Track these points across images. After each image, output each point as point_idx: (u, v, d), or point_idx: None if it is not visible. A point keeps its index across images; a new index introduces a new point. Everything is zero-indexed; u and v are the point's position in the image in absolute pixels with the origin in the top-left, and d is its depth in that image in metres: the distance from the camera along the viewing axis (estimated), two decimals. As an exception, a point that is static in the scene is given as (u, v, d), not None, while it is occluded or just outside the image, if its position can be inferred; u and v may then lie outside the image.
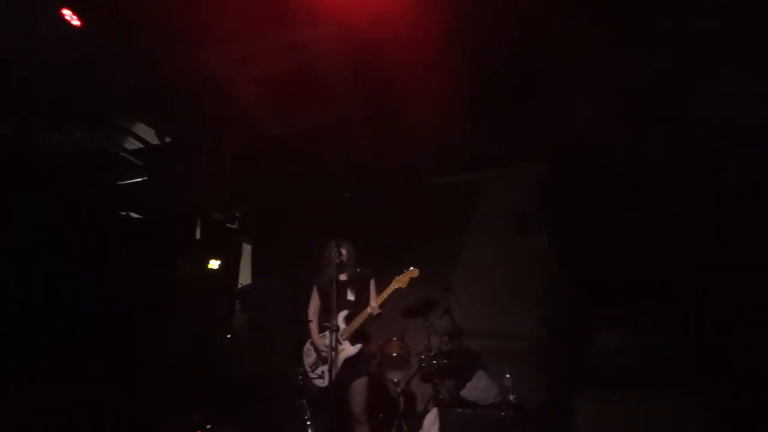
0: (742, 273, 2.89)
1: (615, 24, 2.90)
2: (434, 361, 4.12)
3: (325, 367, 3.09)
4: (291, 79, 3.41)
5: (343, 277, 3.31)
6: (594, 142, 3.91)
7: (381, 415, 3.94)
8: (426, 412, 3.81)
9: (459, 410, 3.50)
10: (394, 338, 4.25)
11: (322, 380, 3.15)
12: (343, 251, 3.26)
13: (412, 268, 3.22)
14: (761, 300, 2.77)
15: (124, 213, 4.98)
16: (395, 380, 4.18)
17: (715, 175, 3.14)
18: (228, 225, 5.98)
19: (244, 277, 5.94)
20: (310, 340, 3.35)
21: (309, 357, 3.33)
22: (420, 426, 3.66)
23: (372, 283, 3.37)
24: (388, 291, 3.17)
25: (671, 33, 2.92)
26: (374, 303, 3.13)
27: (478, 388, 3.91)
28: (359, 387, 3.10)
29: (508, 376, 3.88)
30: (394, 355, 4.16)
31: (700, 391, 2.68)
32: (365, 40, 2.99)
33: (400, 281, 3.18)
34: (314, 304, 3.42)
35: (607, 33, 2.97)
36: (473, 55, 3.20)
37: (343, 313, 3.21)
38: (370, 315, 3.12)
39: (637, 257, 3.76)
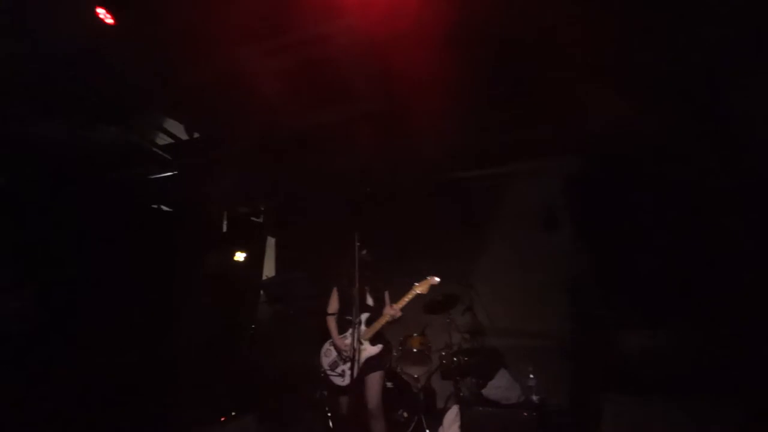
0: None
1: (649, 13, 2.74)
2: (455, 359, 4.09)
3: (345, 366, 3.12)
4: (314, 74, 3.43)
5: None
6: (625, 138, 3.73)
7: (405, 414, 3.92)
8: (446, 409, 3.79)
9: (480, 408, 3.46)
10: (415, 333, 4.23)
11: (341, 378, 3.17)
12: (363, 253, 3.25)
13: (433, 276, 3.24)
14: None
15: (155, 206, 5.17)
16: (415, 376, 4.17)
17: (755, 174, 2.92)
18: (253, 218, 6.11)
19: (268, 270, 6.06)
20: (330, 340, 3.35)
21: (328, 357, 3.33)
22: (440, 423, 3.64)
23: (386, 294, 3.36)
24: (409, 296, 3.19)
25: (708, 23, 2.73)
26: (391, 310, 3.16)
27: (500, 387, 3.85)
28: (373, 380, 3.10)
29: (531, 376, 3.81)
30: (415, 350, 4.14)
31: (732, 397, 2.54)
32: (384, 33, 2.95)
33: (420, 287, 3.21)
34: (333, 306, 3.43)
35: (640, 22, 2.80)
36: (496, 46, 3.09)
37: (363, 315, 3.22)
38: (392, 318, 3.15)
39: (668, 257, 3.59)
